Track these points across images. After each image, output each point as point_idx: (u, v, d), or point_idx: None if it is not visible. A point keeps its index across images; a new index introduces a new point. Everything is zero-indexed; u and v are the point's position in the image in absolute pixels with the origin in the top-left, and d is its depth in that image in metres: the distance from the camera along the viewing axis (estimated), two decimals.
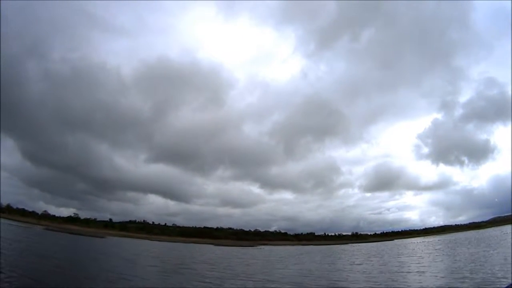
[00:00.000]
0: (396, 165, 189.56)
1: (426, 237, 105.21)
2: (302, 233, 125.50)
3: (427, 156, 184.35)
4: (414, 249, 49.42)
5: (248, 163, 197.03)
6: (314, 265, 31.46)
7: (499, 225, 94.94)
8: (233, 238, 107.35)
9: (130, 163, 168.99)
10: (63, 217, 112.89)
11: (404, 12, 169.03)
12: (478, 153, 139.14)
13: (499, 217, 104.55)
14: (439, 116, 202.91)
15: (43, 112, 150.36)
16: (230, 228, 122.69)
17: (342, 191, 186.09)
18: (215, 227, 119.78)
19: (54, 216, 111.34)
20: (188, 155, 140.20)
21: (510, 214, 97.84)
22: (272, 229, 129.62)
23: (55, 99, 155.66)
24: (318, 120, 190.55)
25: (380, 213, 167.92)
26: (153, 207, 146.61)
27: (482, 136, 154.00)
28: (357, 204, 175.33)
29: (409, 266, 25.05)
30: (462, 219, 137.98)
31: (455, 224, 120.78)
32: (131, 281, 17.32)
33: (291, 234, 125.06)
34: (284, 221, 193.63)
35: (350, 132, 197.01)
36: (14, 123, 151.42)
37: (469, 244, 44.75)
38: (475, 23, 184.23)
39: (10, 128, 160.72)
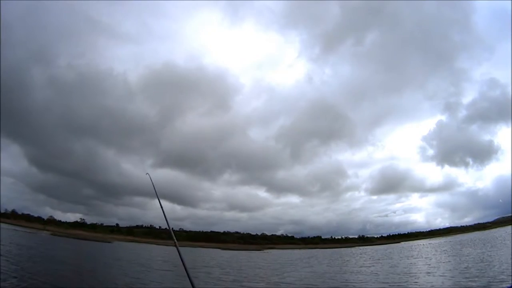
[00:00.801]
0: (401, 167, 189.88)
1: (432, 239, 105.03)
2: (308, 237, 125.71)
3: (432, 158, 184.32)
4: (421, 251, 49.74)
5: (254, 167, 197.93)
6: (325, 268, 31.92)
7: (504, 226, 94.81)
8: (240, 242, 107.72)
9: (137, 168, 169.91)
10: (69, 223, 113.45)
11: (406, 15, 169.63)
12: (482, 154, 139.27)
13: (503, 217, 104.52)
14: (443, 117, 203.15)
15: (49, 118, 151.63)
16: (237, 232, 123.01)
17: (348, 194, 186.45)
18: (222, 231, 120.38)
19: (60, 221, 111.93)
20: (194, 160, 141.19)
21: None
22: (278, 233, 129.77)
23: (61, 105, 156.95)
24: (323, 124, 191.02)
25: (386, 215, 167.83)
26: (160, 212, 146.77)
27: (485, 137, 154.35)
28: (363, 207, 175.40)
29: (418, 267, 25.52)
30: (467, 220, 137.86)
31: (461, 226, 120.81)
32: (149, 285, 17.86)
33: (298, 237, 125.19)
34: (291, 225, 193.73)
35: (356, 135, 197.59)
36: (20, 129, 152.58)
37: (475, 245, 45.10)
38: (476, 24, 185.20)
39: (16, 134, 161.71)
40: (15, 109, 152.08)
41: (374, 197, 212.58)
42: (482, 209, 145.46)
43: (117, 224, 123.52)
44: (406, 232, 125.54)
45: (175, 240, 4.52)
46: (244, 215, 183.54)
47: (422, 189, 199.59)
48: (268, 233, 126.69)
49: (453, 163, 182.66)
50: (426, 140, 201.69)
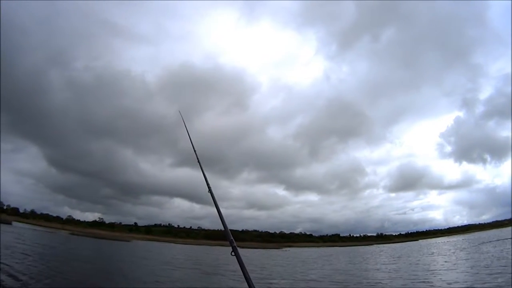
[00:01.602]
0: (419, 164, 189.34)
1: (450, 236, 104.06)
2: (327, 235, 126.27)
3: (450, 155, 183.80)
4: (441, 248, 49.69)
5: (272, 166, 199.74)
6: (346, 265, 32.40)
7: None
8: (258, 240, 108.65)
9: (155, 167, 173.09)
10: (88, 222, 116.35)
11: (422, 12, 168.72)
12: (500, 150, 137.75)
13: None
14: (460, 114, 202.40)
15: (67, 119, 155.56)
16: (255, 231, 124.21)
17: (366, 192, 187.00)
18: (240, 229, 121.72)
19: (78, 220, 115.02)
20: (213, 158, 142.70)
21: None
22: (297, 231, 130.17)
23: (79, 106, 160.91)
24: (341, 122, 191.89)
25: (404, 213, 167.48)
26: (179, 210, 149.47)
27: (503, 133, 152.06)
28: (381, 205, 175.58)
29: (440, 264, 25.77)
30: (485, 218, 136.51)
31: (479, 223, 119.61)
32: (179, 282, 18.43)
33: (316, 235, 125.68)
34: (309, 223, 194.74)
35: (374, 133, 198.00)
36: (39, 131, 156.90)
37: (494, 243, 44.91)
38: (491, 20, 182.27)
39: (35, 135, 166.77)
40: (34, 111, 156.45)
41: (392, 195, 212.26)
42: (500, 206, 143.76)
43: (135, 223, 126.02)
44: (424, 230, 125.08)
45: (232, 239, 2.60)
46: (262, 214, 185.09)
47: (440, 186, 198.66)
48: (287, 231, 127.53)
49: (471, 159, 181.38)
50: (443, 137, 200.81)
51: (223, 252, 48.82)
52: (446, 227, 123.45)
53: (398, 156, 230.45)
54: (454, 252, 37.73)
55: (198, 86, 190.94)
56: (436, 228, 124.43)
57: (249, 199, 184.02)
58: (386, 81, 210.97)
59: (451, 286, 15.18)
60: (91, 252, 37.75)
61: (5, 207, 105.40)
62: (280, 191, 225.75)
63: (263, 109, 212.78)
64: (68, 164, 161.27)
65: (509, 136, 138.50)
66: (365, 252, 59.18)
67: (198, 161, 4.22)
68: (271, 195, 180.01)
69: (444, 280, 16.75)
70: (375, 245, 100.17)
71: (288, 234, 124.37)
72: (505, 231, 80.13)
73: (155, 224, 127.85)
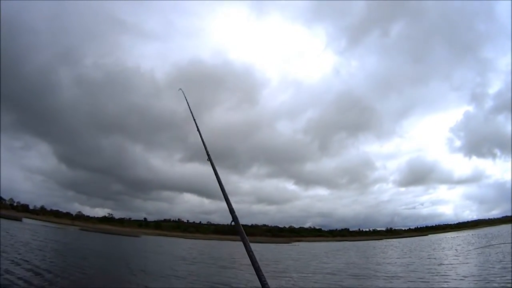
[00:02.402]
0: (429, 159, 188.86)
1: (460, 231, 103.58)
2: (336, 229, 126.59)
3: (460, 149, 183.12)
4: (451, 243, 49.75)
5: (282, 161, 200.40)
6: (360, 259, 32.70)
7: None
8: (268, 235, 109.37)
9: (165, 163, 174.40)
10: (97, 217, 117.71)
11: (431, 6, 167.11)
12: (510, 145, 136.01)
13: None
14: (470, 108, 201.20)
15: (77, 116, 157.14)
16: (264, 225, 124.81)
17: (376, 186, 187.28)
18: (250, 224, 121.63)
19: (88, 216, 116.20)
20: (223, 154, 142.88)
21: None
22: (306, 226, 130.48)
23: (89, 103, 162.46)
24: (351, 116, 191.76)
25: (414, 207, 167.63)
26: (188, 205, 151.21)
27: None
28: (391, 199, 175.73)
29: (452, 258, 25.97)
30: (495, 213, 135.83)
31: (489, 218, 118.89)
32: (199, 276, 18.79)
33: (326, 230, 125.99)
34: (319, 218, 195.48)
35: (383, 127, 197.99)
36: (49, 128, 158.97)
37: (505, 238, 44.87)
38: (500, 14, 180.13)
39: (45, 133, 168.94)
40: (44, 109, 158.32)
41: (402, 189, 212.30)
42: (510, 201, 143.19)
43: (145, 219, 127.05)
44: (434, 225, 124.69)
45: (232, 208, 2.63)
46: (272, 208, 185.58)
47: (450, 181, 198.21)
48: (296, 226, 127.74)
49: (480, 154, 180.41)
50: (453, 131, 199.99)
51: (234, 247, 49.30)
52: (455, 222, 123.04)
53: (407, 150, 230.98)
54: (465, 247, 37.85)
55: (207, 82, 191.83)
56: (446, 223, 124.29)
57: (259, 193, 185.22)
58: (396, 76, 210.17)
59: (466, 279, 15.43)
60: (105, 248, 38.51)
61: (15, 204, 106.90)
62: (290, 186, 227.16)
63: (273, 104, 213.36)
64: (78, 161, 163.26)
65: None
66: (376, 247, 59.48)
67: (197, 127, 4.26)
68: (281, 189, 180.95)
69: (458, 274, 16.97)
70: (384, 239, 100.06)
71: (297, 228, 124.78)
72: None
73: (165, 219, 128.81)
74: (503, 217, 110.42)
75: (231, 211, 2.56)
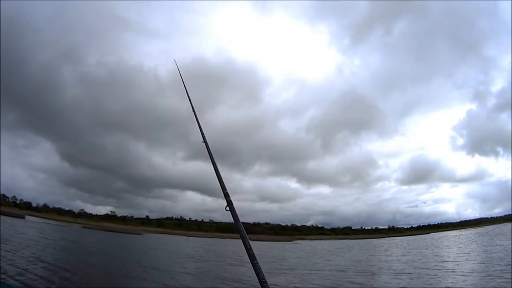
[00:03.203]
0: (431, 157, 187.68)
1: (462, 230, 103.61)
2: (339, 227, 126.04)
3: (463, 147, 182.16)
4: (454, 241, 50.16)
5: (285, 159, 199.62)
6: (367, 257, 33.14)
7: None
8: (270, 233, 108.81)
9: (168, 161, 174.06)
10: (99, 215, 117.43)
11: (434, 4, 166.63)
12: None
13: None
14: (472, 106, 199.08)
15: (80, 114, 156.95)
16: (267, 223, 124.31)
17: (378, 185, 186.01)
18: (252, 222, 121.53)
19: (90, 214, 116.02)
20: (225, 152, 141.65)
21: None
22: (309, 224, 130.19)
23: (92, 101, 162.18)
24: (354, 114, 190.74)
25: (416, 206, 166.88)
26: (191, 203, 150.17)
27: None
28: (393, 197, 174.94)
29: (456, 255, 26.34)
30: (497, 212, 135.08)
31: (491, 217, 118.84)
32: (210, 273, 19.12)
33: (328, 228, 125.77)
34: (321, 216, 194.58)
35: (386, 125, 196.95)
36: (52, 126, 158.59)
37: (507, 236, 45.29)
38: (503, 12, 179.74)
39: (48, 131, 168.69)
40: (47, 107, 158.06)
41: (405, 187, 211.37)
42: None
43: (147, 216, 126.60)
44: (436, 223, 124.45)
45: (227, 192, 2.44)
46: (274, 206, 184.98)
47: (453, 179, 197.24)
48: (298, 224, 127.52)
49: (483, 152, 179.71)
50: (456, 129, 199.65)
51: (238, 245, 49.62)
52: (458, 220, 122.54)
53: (410, 148, 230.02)
54: (469, 244, 38.27)
55: (210, 80, 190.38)
56: (448, 221, 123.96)
57: (261, 192, 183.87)
58: (399, 74, 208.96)
59: (472, 275, 15.84)
60: (112, 246, 38.88)
61: (18, 202, 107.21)
62: (292, 184, 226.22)
63: (276, 102, 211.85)
64: (80, 159, 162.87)
65: None
66: (379, 245, 59.93)
67: (193, 111, 3.92)
68: (283, 187, 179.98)
69: (463, 271, 17.35)
70: (386, 238, 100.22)
71: (299, 226, 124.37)
72: None
73: (167, 217, 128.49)
74: (505, 215, 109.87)
75: (226, 195, 2.36)
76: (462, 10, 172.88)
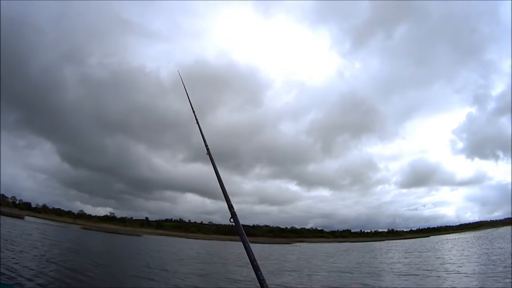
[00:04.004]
0: (431, 160, 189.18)
1: (462, 233, 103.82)
2: (338, 230, 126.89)
3: (462, 151, 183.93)
4: (454, 244, 50.35)
5: (285, 161, 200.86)
6: (368, 259, 33.39)
7: None
8: (269, 235, 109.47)
9: (168, 163, 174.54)
10: (99, 216, 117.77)
11: (435, 8, 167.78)
12: None
13: None
14: (472, 110, 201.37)
15: (81, 115, 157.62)
16: (266, 226, 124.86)
17: (378, 188, 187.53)
18: (251, 224, 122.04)
19: (90, 215, 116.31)
20: (226, 154, 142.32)
21: None
22: (308, 226, 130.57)
23: (93, 102, 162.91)
24: (354, 118, 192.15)
25: (416, 209, 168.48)
26: (191, 205, 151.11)
27: None
28: (393, 200, 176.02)
29: (457, 258, 26.53)
30: (497, 215, 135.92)
31: (491, 220, 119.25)
32: (219, 274, 19.28)
33: (327, 231, 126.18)
34: (321, 218, 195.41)
35: (386, 129, 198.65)
36: (53, 127, 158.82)
37: (507, 240, 45.50)
38: (504, 16, 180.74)
39: (49, 132, 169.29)
40: (48, 108, 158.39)
41: (404, 191, 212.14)
42: None
43: (146, 218, 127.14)
44: (436, 226, 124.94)
45: (231, 204, 2.40)
46: (274, 209, 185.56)
47: (452, 182, 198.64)
48: (298, 227, 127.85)
49: (483, 156, 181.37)
50: (456, 133, 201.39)
51: (239, 247, 49.76)
52: (457, 224, 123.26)
53: (410, 152, 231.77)
54: (468, 248, 38.47)
55: (212, 82, 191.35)
56: (448, 225, 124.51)
57: (261, 194, 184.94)
58: (399, 78, 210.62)
59: (476, 276, 16.09)
60: (115, 247, 39.10)
61: (17, 202, 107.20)
62: (292, 187, 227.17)
63: (276, 105, 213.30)
64: (81, 160, 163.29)
65: None
66: (379, 248, 60.06)
67: (195, 115, 3.97)
68: (283, 190, 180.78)
69: (466, 272, 17.60)
70: (386, 241, 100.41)
71: (299, 229, 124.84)
72: None
73: (166, 219, 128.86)
74: (505, 219, 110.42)
75: (230, 207, 2.35)
76: (463, 14, 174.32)
